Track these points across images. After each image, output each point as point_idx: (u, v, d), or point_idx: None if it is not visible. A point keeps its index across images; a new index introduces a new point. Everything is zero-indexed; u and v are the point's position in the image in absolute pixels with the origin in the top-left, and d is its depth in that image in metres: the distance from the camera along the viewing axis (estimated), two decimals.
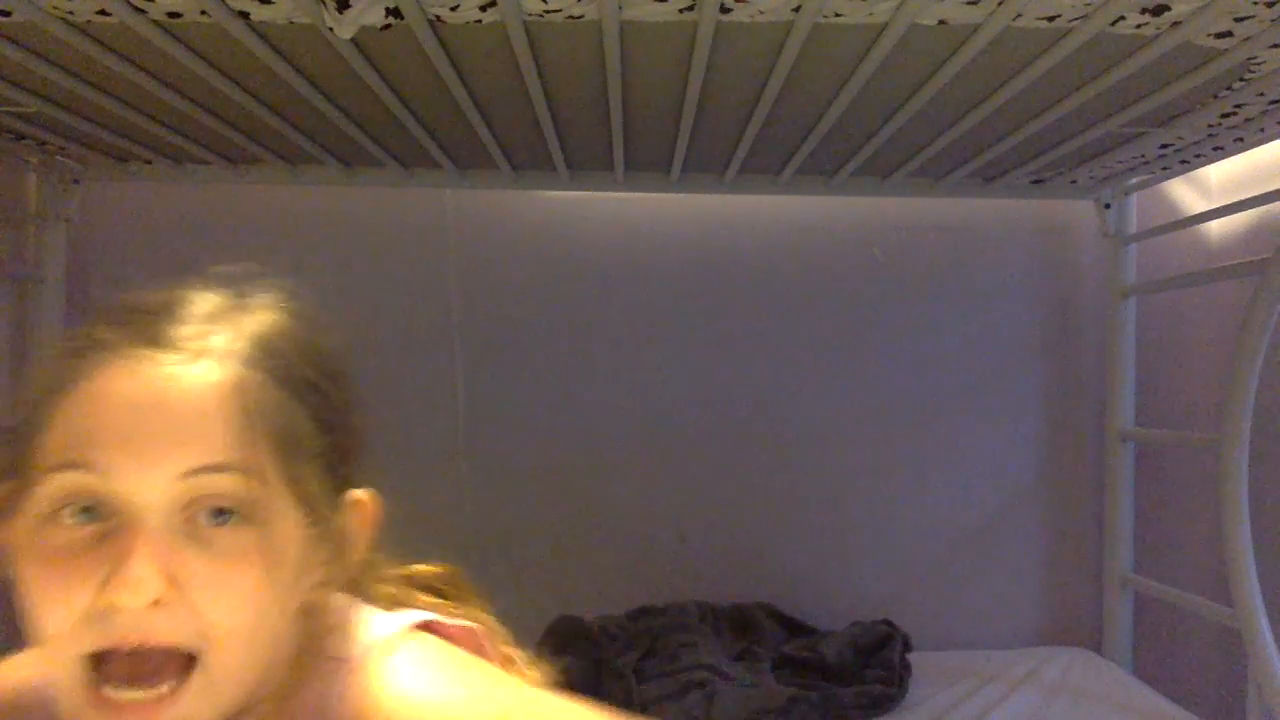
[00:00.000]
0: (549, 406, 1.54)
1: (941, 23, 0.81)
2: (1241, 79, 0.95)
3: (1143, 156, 1.27)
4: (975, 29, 0.82)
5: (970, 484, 1.56)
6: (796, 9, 0.78)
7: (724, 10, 0.78)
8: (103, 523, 0.42)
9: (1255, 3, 0.75)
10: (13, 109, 1.11)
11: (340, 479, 0.51)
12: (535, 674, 0.59)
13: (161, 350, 0.45)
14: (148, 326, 0.46)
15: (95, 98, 1.03)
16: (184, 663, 0.43)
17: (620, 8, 0.78)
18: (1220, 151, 1.22)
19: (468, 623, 0.57)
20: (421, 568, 0.65)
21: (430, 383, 1.52)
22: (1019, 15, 0.78)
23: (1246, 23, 0.79)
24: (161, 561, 0.41)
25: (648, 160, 1.35)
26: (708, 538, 1.54)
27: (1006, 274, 1.57)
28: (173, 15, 0.80)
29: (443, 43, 0.87)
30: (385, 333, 1.52)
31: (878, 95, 1.01)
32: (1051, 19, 0.79)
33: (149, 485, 0.42)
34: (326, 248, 1.52)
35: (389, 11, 0.77)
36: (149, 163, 1.40)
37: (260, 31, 0.84)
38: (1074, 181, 1.44)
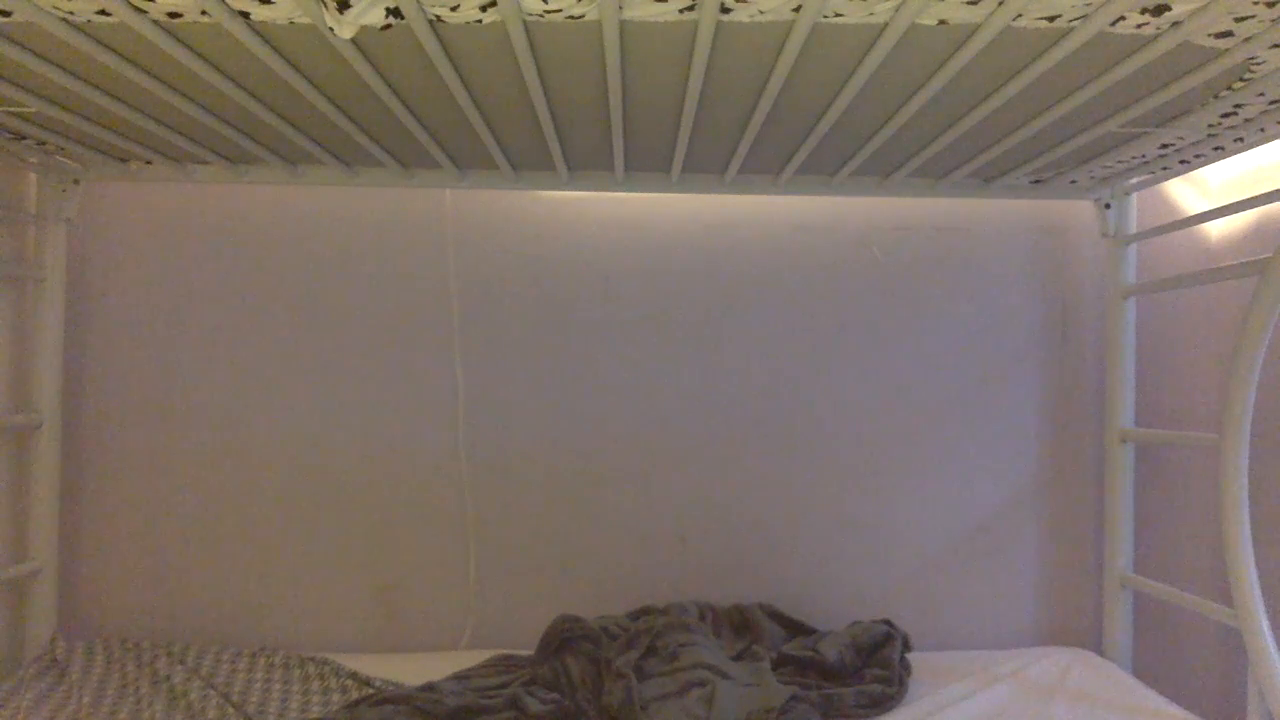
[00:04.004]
0: (549, 406, 1.54)
1: (941, 23, 0.81)
2: (1241, 79, 0.95)
3: (1143, 156, 1.27)
4: (975, 29, 0.82)
5: (970, 484, 1.56)
6: (796, 9, 0.78)
7: (724, 10, 0.78)
8: None
9: (1255, 3, 0.75)
10: (13, 109, 1.12)
11: None
12: None
13: None
14: None
15: (95, 98, 1.03)
16: None
17: (620, 8, 0.78)
18: (1220, 151, 1.22)
19: None
20: None
21: (430, 383, 1.53)
22: (1019, 15, 0.78)
23: (1246, 23, 0.79)
24: None
25: (648, 160, 1.35)
26: (708, 538, 1.55)
27: (1006, 274, 1.57)
28: (173, 15, 0.80)
29: (443, 43, 0.87)
30: (385, 333, 1.52)
31: (878, 95, 1.01)
32: (1051, 19, 0.79)
33: None
34: (326, 248, 1.53)
35: (389, 11, 0.77)
36: (149, 163, 1.40)
37: (260, 31, 0.84)
38: (1074, 181, 1.44)
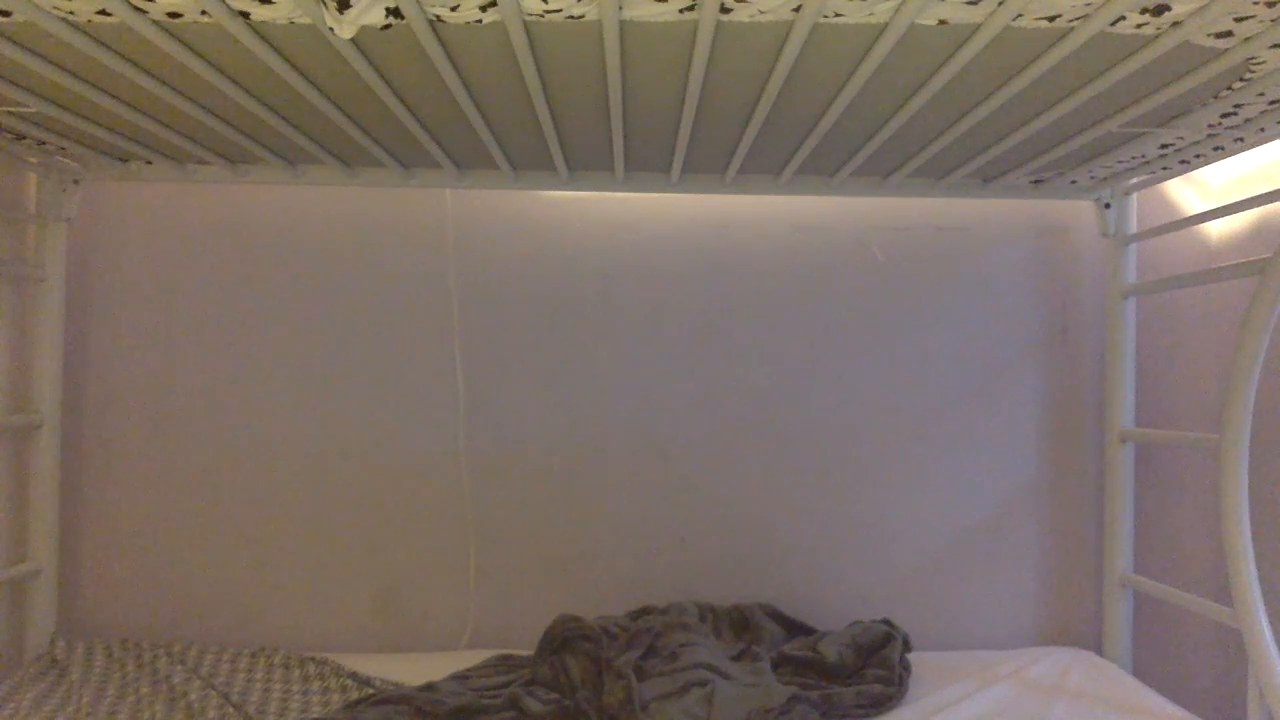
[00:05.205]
0: (549, 406, 1.54)
1: (941, 23, 0.81)
2: (1241, 79, 0.95)
3: (1143, 156, 1.27)
4: (975, 29, 0.82)
5: (970, 484, 1.56)
6: (796, 9, 0.78)
7: (724, 10, 0.78)
8: None
9: (1255, 3, 0.75)
10: (13, 109, 1.12)
11: None
12: None
13: None
14: None
15: (95, 98, 1.03)
16: None
17: (620, 8, 0.78)
18: (1220, 151, 1.22)
19: None
20: None
21: (430, 383, 1.53)
22: (1019, 15, 0.78)
23: (1246, 23, 0.79)
24: None
25: (648, 160, 1.35)
26: (708, 538, 1.55)
27: (1006, 274, 1.57)
28: (173, 15, 0.80)
29: (443, 43, 0.87)
30: (385, 333, 1.52)
31: (878, 95, 1.01)
32: (1051, 19, 0.79)
33: None
34: (326, 248, 1.53)
35: (389, 11, 0.77)
36: (149, 163, 1.40)
37: (260, 31, 0.84)
38: (1074, 181, 1.44)
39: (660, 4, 0.77)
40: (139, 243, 1.51)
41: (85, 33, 0.85)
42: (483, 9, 0.78)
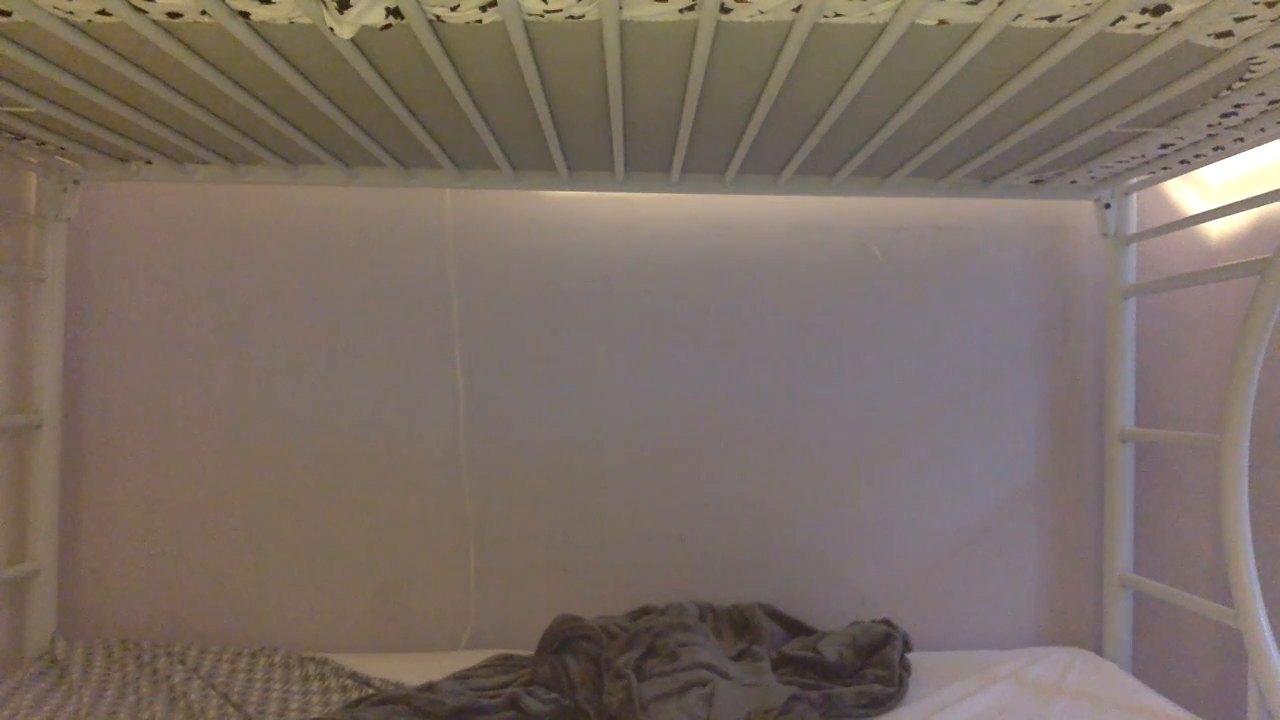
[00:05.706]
0: (549, 406, 1.54)
1: (941, 23, 0.81)
2: (1241, 79, 0.95)
3: (1143, 156, 1.27)
4: (975, 29, 0.82)
5: (970, 484, 1.56)
6: (796, 9, 0.78)
7: (724, 10, 0.78)
8: None
9: (1255, 3, 0.75)
10: (13, 109, 1.12)
11: None
12: None
13: None
14: None
15: (95, 98, 1.03)
16: None
17: (620, 8, 0.78)
18: (1220, 151, 1.22)
19: None
20: None
21: (430, 383, 1.53)
22: (1019, 15, 0.78)
23: (1246, 23, 0.79)
24: None
25: (648, 160, 1.35)
26: (708, 538, 1.55)
27: (1006, 274, 1.57)
28: (173, 15, 0.80)
29: (443, 43, 0.87)
30: (385, 332, 1.52)
31: (878, 95, 1.01)
32: (1051, 19, 0.79)
33: None
34: (326, 248, 1.53)
35: (389, 11, 0.77)
36: (149, 163, 1.40)
37: (260, 31, 0.84)
38: (1074, 181, 1.44)
39: (660, 4, 0.77)
40: (139, 243, 1.51)
41: (85, 33, 0.85)
42: (483, 9, 0.78)
